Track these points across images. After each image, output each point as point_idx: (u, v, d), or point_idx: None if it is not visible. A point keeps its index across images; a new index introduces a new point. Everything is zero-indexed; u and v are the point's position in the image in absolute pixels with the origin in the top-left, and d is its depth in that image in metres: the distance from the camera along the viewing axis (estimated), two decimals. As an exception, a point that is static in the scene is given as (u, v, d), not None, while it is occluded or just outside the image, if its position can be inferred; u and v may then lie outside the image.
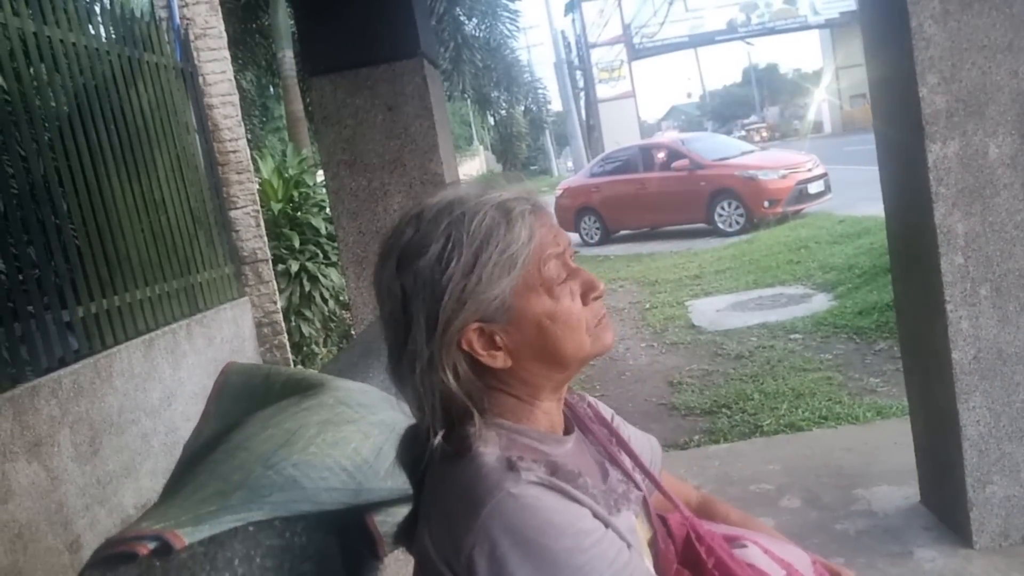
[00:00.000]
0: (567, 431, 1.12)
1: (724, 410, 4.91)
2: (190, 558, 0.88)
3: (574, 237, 15.62)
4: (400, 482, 1.20)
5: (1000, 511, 2.66)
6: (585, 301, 1.04)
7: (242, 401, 1.39)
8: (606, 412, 1.31)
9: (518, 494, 0.92)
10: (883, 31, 2.80)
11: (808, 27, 36.74)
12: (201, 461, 1.19)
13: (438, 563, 0.95)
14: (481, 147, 43.02)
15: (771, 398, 4.95)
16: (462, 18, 8.42)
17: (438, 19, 8.26)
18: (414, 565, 1.05)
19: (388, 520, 1.18)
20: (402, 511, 1.20)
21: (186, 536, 0.90)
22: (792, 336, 6.35)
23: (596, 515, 0.97)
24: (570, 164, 36.75)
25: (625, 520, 1.06)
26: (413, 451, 1.08)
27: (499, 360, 1.02)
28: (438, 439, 1.01)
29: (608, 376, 6.21)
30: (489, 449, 0.98)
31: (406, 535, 1.08)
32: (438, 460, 1.02)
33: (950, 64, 2.57)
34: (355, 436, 1.20)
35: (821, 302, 7.41)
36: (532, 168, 50.86)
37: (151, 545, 0.88)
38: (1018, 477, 2.67)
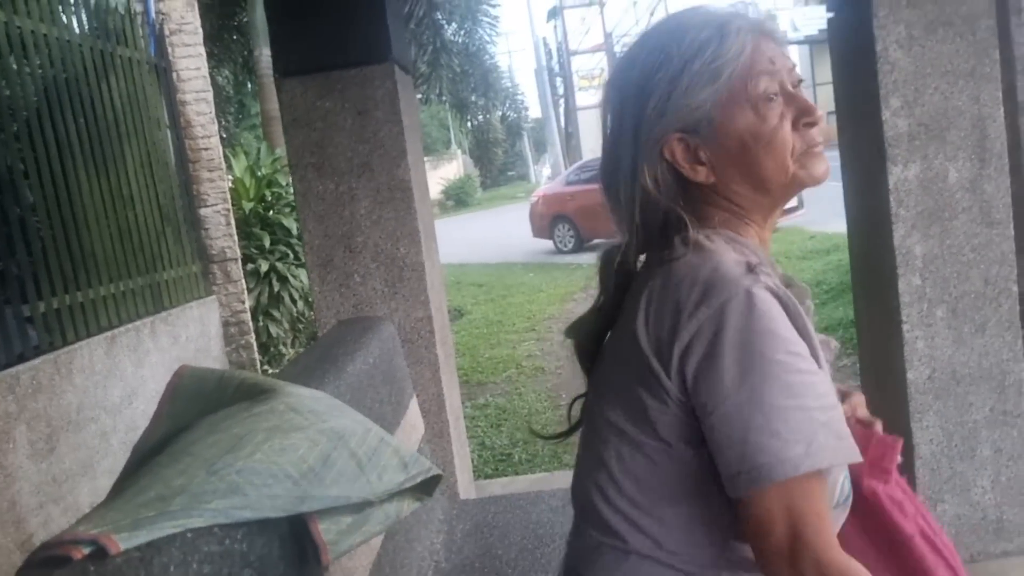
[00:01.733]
0: None
1: (688, 422, 4.94)
2: (125, 563, 0.87)
3: (547, 244, 15.67)
4: (346, 489, 1.20)
5: (951, 529, 2.70)
6: (796, 126, 1.03)
7: (194, 404, 1.39)
8: None
9: (755, 294, 0.93)
10: (849, 53, 2.85)
11: (788, 42, 37.05)
12: (147, 464, 1.18)
13: (646, 352, 0.98)
14: (459, 150, 43.03)
15: (735, 411, 4.99)
16: (441, 22, 8.43)
17: (417, 23, 8.26)
18: (603, 364, 1.12)
19: (333, 528, 1.18)
20: (347, 519, 1.21)
21: (122, 541, 0.89)
22: (758, 350, 6.40)
23: (813, 351, 0.96)
24: (547, 170, 36.83)
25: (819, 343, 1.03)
26: (613, 263, 1.13)
27: (701, 174, 1.04)
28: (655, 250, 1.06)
29: (574, 385, 6.20)
30: (722, 250, 1.00)
31: (577, 331, 1.21)
32: (656, 263, 1.03)
33: (913, 88, 2.62)
34: (303, 443, 1.20)
35: (788, 317, 7.48)
36: (510, 173, 50.94)
37: (86, 549, 0.88)
38: (968, 496, 2.71)
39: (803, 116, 1.03)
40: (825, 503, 0.95)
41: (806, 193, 13.83)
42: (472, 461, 4.77)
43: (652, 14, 31.34)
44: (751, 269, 0.96)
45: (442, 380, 2.81)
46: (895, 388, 2.74)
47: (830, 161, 1.12)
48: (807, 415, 0.91)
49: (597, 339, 1.22)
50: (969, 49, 2.61)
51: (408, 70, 2.96)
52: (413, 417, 2.28)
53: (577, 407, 1.28)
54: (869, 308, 3.02)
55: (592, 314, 1.21)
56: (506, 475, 4.58)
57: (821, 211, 13.19)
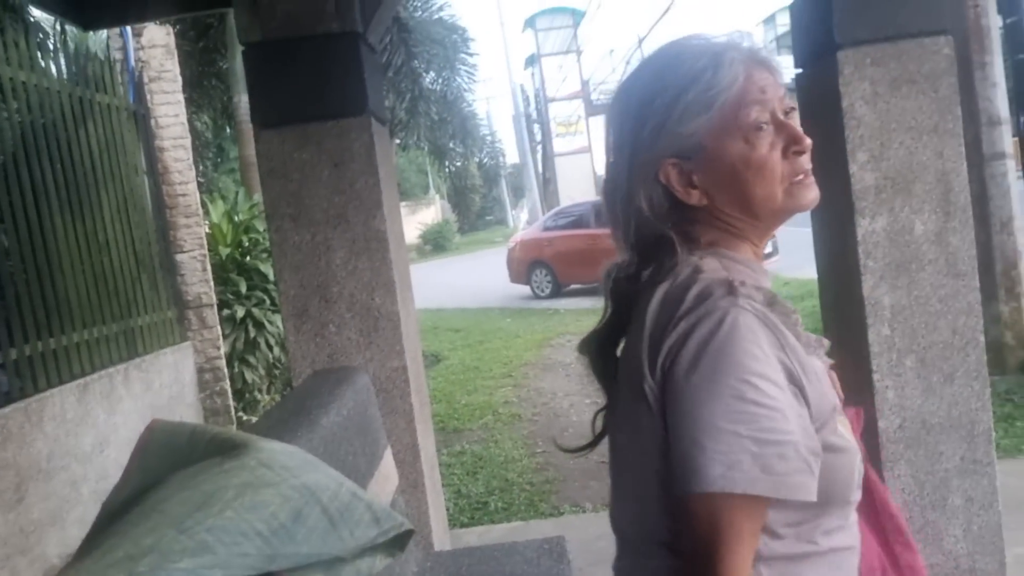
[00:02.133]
0: None
1: (664, 469, 4.94)
2: (92, 626, 0.87)
3: (524, 290, 15.71)
4: (317, 546, 1.20)
5: (923, 580, 2.71)
6: (785, 154, 1.08)
7: (165, 460, 1.38)
8: None
9: (728, 316, 0.99)
10: (817, 108, 2.91)
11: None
12: (116, 521, 1.18)
13: (642, 363, 1.04)
14: (437, 195, 43.22)
15: (710, 458, 4.99)
16: (420, 71, 8.52)
17: (396, 71, 8.35)
18: (619, 371, 1.16)
19: (303, 585, 1.18)
20: (317, 577, 1.20)
21: (90, 603, 0.89)
22: (733, 396, 6.43)
23: (793, 373, 1.00)
24: (525, 215, 37.03)
25: (820, 365, 1.09)
26: (616, 280, 1.20)
27: (694, 197, 1.09)
28: (648, 269, 1.13)
29: (551, 433, 6.22)
30: (711, 270, 1.07)
31: (588, 346, 1.25)
32: (649, 285, 1.10)
33: (879, 143, 2.68)
34: (274, 499, 1.20)
35: (763, 363, 7.52)
36: (488, 218, 51.15)
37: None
38: (941, 545, 2.72)
39: (792, 145, 1.07)
40: (751, 525, 0.98)
41: (781, 239, 14.05)
42: (448, 510, 4.74)
43: (628, 63, 31.87)
44: (731, 291, 1.01)
45: (417, 430, 2.80)
46: (867, 438, 2.76)
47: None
48: (737, 441, 0.95)
49: (606, 353, 1.26)
50: (932, 106, 2.68)
51: (384, 122, 2.99)
52: (387, 468, 2.28)
53: (600, 420, 1.32)
54: (840, 358, 3.03)
55: (599, 328, 1.26)
56: (482, 524, 4.55)
57: (796, 257, 13.35)
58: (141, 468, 1.37)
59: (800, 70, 3.18)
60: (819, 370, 1.07)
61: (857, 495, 1.11)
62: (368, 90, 2.70)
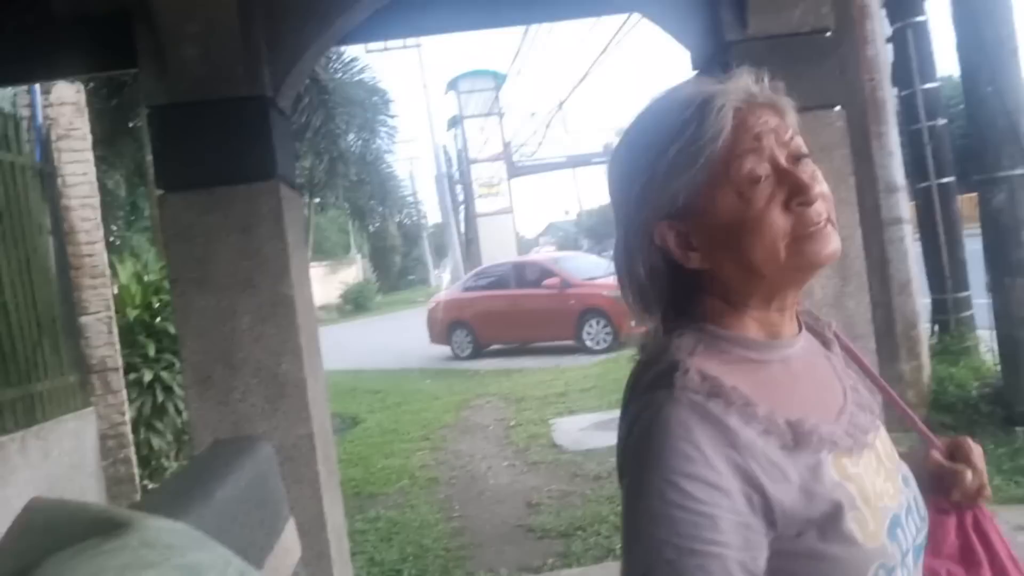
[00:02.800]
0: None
1: (579, 532, 4.92)
2: None
3: (445, 350, 15.65)
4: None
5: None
6: (787, 206, 0.94)
7: (43, 541, 1.32)
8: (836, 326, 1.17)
9: (664, 410, 0.90)
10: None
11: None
12: (-17, 610, 1.11)
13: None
14: (359, 255, 42.96)
15: (626, 521, 4.99)
16: (339, 131, 8.53)
17: (314, 132, 8.35)
18: None
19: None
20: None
21: None
22: (649, 457, 6.46)
23: (748, 472, 0.88)
24: (447, 275, 37.07)
25: (816, 460, 0.93)
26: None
27: (694, 260, 0.99)
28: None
29: (468, 496, 6.16)
30: (678, 350, 0.96)
31: None
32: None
33: (778, 212, 2.77)
34: (155, 582, 1.15)
35: (679, 423, 7.61)
36: (410, 277, 51.03)
37: None
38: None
39: (794, 196, 0.94)
40: None
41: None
42: (360, 579, 4.63)
43: (548, 125, 32.52)
44: (668, 381, 0.92)
45: (323, 498, 2.74)
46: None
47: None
48: (654, 547, 0.87)
49: None
50: (827, 176, 2.75)
51: (294, 186, 2.98)
52: (288, 540, 2.21)
53: None
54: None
55: None
56: (395, 593, 4.45)
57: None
58: (15, 552, 1.30)
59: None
60: (807, 465, 0.93)
61: None
62: (277, 155, 2.69)
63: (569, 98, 41.98)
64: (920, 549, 1.01)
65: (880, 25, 5.81)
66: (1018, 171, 5.50)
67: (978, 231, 5.76)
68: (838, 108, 2.97)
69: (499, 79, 34.32)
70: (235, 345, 2.66)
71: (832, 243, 0.96)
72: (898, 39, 6.01)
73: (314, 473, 2.72)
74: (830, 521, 0.91)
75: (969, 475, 1.10)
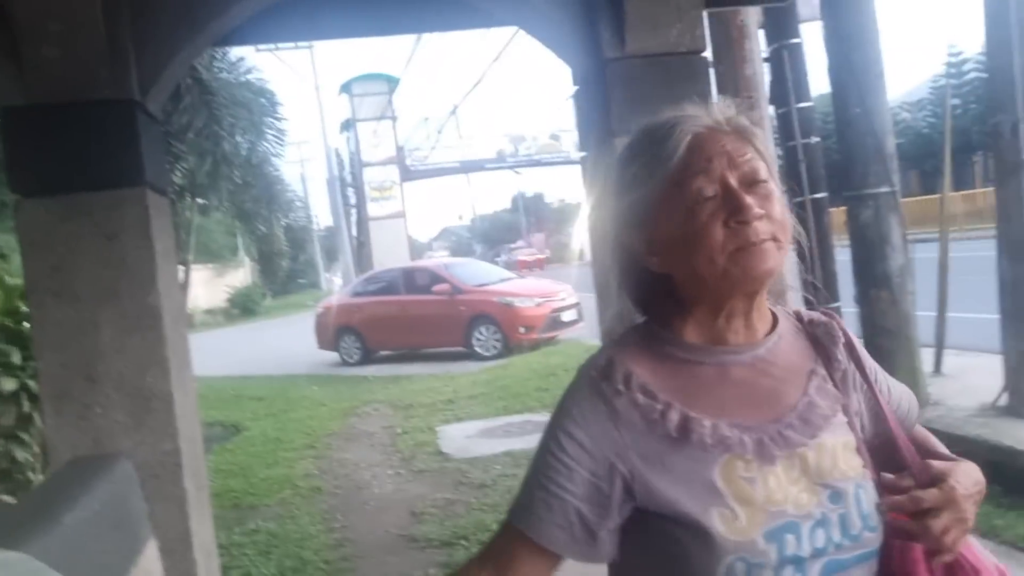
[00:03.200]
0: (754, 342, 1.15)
1: (462, 542, 4.92)
2: None
3: (333, 356, 15.41)
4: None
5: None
6: (727, 223, 1.06)
7: None
8: (855, 349, 1.23)
9: (578, 381, 1.14)
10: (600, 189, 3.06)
11: (571, 162, 39.33)
12: None
13: None
14: (247, 258, 41.81)
15: (508, 529, 5.01)
16: (223, 133, 8.30)
17: (196, 133, 8.10)
18: None
19: None
20: None
21: None
22: (534, 465, 6.51)
23: (620, 449, 1.07)
24: (339, 279, 36.51)
25: (703, 456, 1.07)
26: None
27: (655, 264, 1.13)
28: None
29: (351, 506, 6.07)
30: (626, 340, 1.17)
31: None
32: None
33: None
34: (-18, 621, 1.09)
35: (564, 430, 7.69)
36: (300, 281, 50.01)
37: None
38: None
39: (733, 215, 1.06)
40: (521, 564, 1.09)
41: (586, 305, 14.57)
42: (236, 595, 4.50)
43: (440, 131, 32.48)
44: (596, 366, 1.13)
45: (191, 516, 2.65)
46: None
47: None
48: (529, 476, 1.12)
49: None
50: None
51: (164, 193, 2.88)
52: (148, 562, 2.13)
53: None
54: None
55: None
56: (272, 608, 4.34)
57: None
58: None
59: (585, 154, 3.35)
60: (690, 457, 1.06)
61: None
62: (144, 160, 2.60)
63: (463, 103, 42.15)
64: (836, 564, 1.06)
65: (758, 45, 6.02)
66: (884, 189, 5.80)
67: (848, 243, 6.05)
68: (711, 127, 3.06)
69: (392, 83, 34.05)
70: (96, 358, 2.55)
71: (768, 261, 1.07)
72: (775, 59, 6.24)
73: (181, 490, 2.63)
74: (690, 509, 1.04)
75: (933, 522, 1.08)
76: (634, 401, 1.09)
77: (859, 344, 1.24)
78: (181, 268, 10.96)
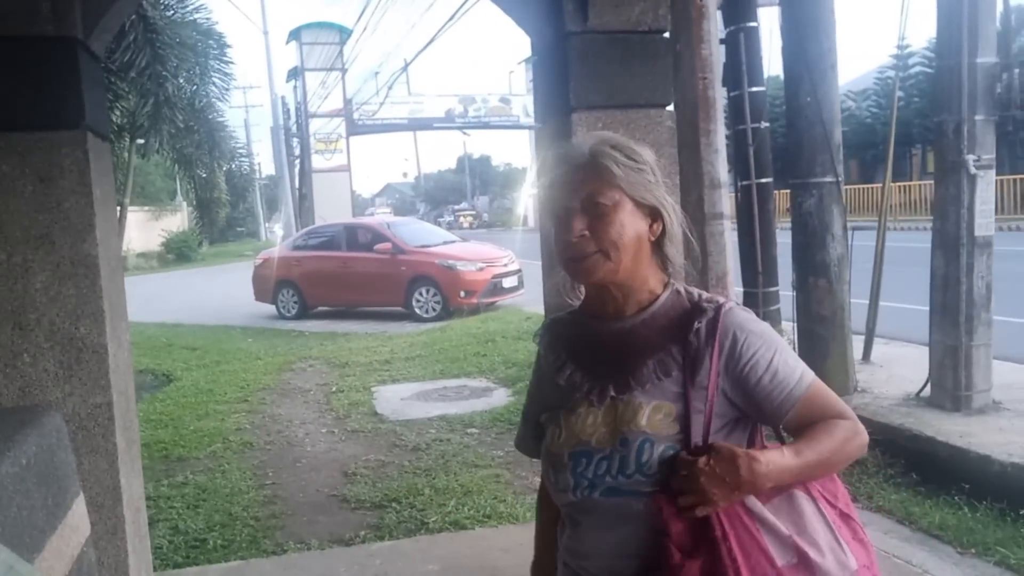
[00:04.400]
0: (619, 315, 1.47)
1: (394, 504, 4.92)
2: None
3: (270, 309, 15.22)
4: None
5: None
6: (558, 239, 1.42)
7: None
8: (727, 335, 1.40)
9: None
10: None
11: (520, 127, 39.19)
12: None
13: None
14: (185, 203, 40.87)
15: (441, 494, 5.04)
16: (166, 74, 8.02)
17: (139, 72, 7.82)
18: None
19: None
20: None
21: None
22: (469, 430, 6.54)
23: (538, 370, 1.61)
24: (280, 230, 35.98)
25: (564, 389, 1.49)
26: None
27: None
28: None
29: (283, 463, 6.02)
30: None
31: None
32: None
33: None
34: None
35: (501, 397, 7.74)
36: (239, 229, 49.17)
37: None
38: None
39: (563, 234, 1.41)
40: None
41: (528, 272, 14.61)
42: (162, 548, 4.44)
43: (390, 87, 32.00)
44: (546, 321, 1.66)
45: (120, 471, 2.59)
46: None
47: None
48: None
49: None
50: (653, 173, 2.87)
51: (105, 136, 2.77)
52: (76, 518, 2.07)
53: None
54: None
55: None
56: (198, 563, 4.28)
57: (540, 292, 13.89)
58: None
59: (540, 125, 3.32)
60: (558, 387, 1.51)
61: (559, 497, 1.47)
62: (85, 101, 2.49)
63: (415, 61, 41.54)
64: (612, 490, 1.38)
65: (715, 27, 6.02)
66: (828, 179, 5.88)
67: (789, 227, 6.14)
68: (669, 108, 3.05)
69: (344, 33, 33.39)
70: (27, 304, 2.45)
71: (593, 273, 1.40)
72: (731, 42, 6.26)
73: (111, 444, 2.56)
74: (547, 423, 1.52)
75: (675, 481, 1.35)
76: (545, 347, 1.58)
77: (741, 336, 1.40)
78: (117, 210, 10.66)
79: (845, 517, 1.43)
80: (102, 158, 2.66)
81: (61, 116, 2.45)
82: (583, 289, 1.51)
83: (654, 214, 1.43)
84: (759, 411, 1.42)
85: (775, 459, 1.33)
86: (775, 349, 1.41)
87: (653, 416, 1.37)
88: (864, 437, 1.42)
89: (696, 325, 1.40)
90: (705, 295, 1.47)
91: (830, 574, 1.34)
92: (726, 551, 1.30)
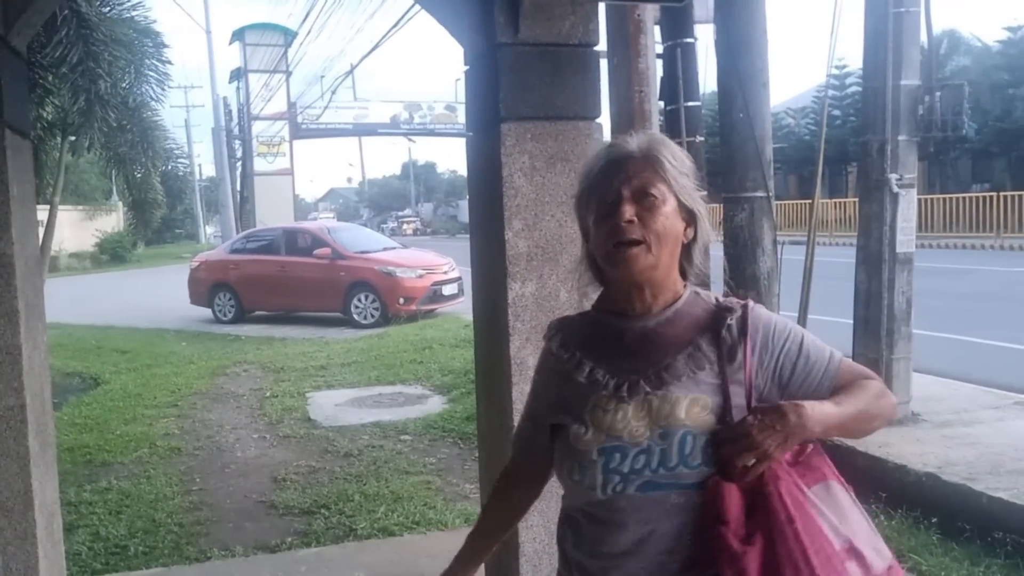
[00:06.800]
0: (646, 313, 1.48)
1: (323, 511, 4.89)
2: None
3: (206, 313, 14.98)
4: None
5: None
6: (608, 222, 1.41)
7: None
8: (757, 331, 1.46)
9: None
10: (482, 173, 3.06)
11: (464, 135, 38.96)
12: None
13: None
14: (121, 203, 39.94)
15: (371, 500, 5.02)
16: (99, 72, 7.84)
17: (71, 68, 7.65)
18: None
19: None
20: None
21: None
22: (402, 437, 6.53)
23: (549, 371, 1.57)
24: (216, 231, 35.40)
25: (586, 388, 1.46)
26: None
27: (588, 247, 1.51)
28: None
29: (211, 469, 5.94)
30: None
31: None
32: None
33: (533, 214, 2.86)
34: None
35: (436, 404, 7.73)
36: (177, 231, 48.24)
37: None
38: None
39: (611, 216, 1.41)
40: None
41: (469, 280, 14.61)
42: (80, 555, 4.34)
43: (335, 92, 31.78)
44: (554, 321, 1.62)
45: (32, 475, 2.54)
46: (502, 490, 2.90)
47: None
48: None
49: None
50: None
51: (26, 134, 2.72)
52: (-19, 523, 2.03)
53: None
54: (487, 412, 3.20)
55: None
56: (117, 570, 4.20)
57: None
58: None
59: (471, 134, 3.34)
60: (578, 386, 1.48)
61: (580, 496, 1.44)
62: (4, 97, 2.44)
63: (360, 65, 41.29)
64: (652, 485, 1.38)
65: (652, 41, 6.13)
66: (759, 193, 6.00)
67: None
68: (599, 120, 3.10)
69: (289, 36, 33.00)
70: (-61, 306, 2.40)
71: (626, 265, 1.41)
72: (668, 57, 6.36)
73: (23, 447, 2.51)
74: (566, 421, 1.47)
75: (723, 450, 1.36)
76: (558, 346, 1.55)
77: (769, 330, 1.48)
78: (47, 208, 10.38)
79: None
80: (21, 155, 2.61)
81: (-22, 111, 2.40)
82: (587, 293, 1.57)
83: (690, 219, 1.47)
84: (802, 394, 1.44)
85: (818, 406, 1.38)
86: (801, 335, 1.49)
87: (691, 409, 1.39)
88: (893, 398, 1.53)
89: (728, 321, 1.45)
90: (722, 297, 1.54)
91: (873, 563, 1.38)
92: (792, 535, 1.31)
